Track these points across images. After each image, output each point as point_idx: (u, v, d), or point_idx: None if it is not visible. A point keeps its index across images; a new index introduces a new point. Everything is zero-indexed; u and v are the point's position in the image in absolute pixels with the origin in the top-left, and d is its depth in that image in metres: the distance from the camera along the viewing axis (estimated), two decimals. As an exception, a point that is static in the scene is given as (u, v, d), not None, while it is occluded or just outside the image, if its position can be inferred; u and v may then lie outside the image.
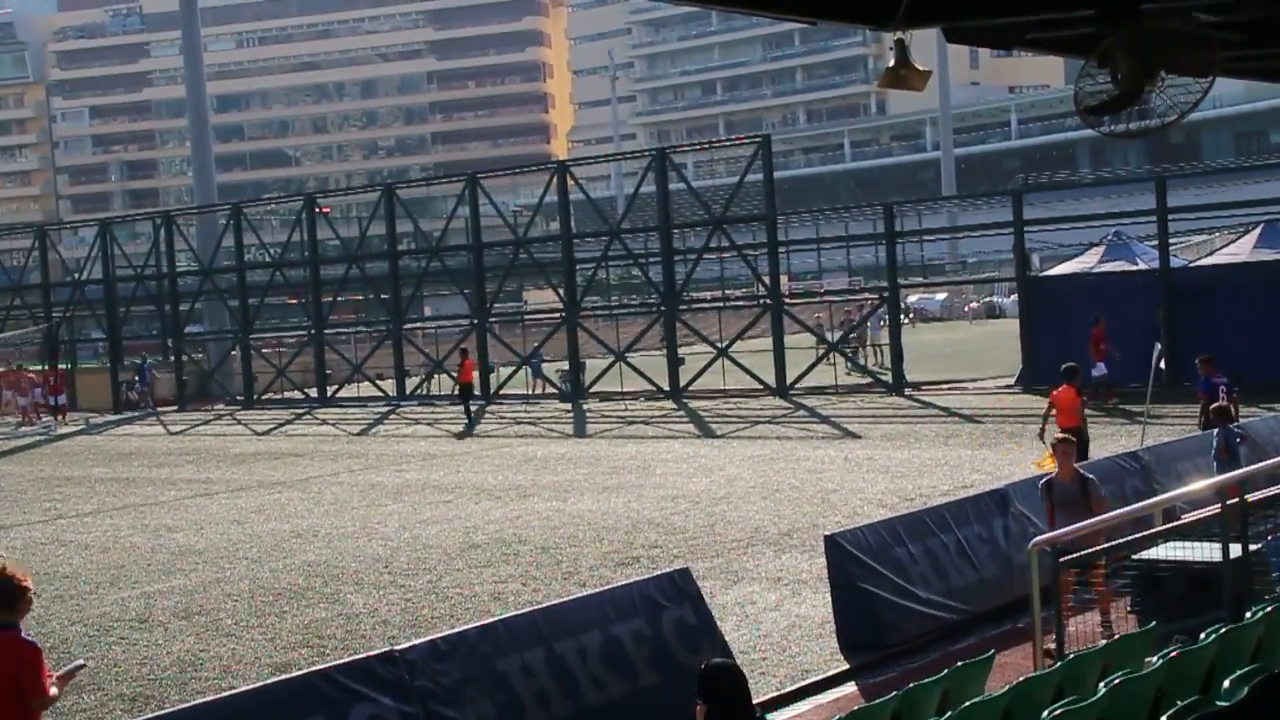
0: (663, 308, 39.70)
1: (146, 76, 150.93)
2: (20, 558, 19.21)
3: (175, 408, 46.54)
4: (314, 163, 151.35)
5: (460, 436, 32.95)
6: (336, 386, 45.19)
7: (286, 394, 46.25)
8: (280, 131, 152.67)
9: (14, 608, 7.90)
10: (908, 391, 35.35)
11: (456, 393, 37.69)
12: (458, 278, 45.91)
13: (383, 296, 45.96)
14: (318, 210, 46.44)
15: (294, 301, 50.83)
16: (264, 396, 46.09)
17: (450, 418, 37.15)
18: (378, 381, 44.41)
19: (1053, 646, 9.46)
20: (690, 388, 38.21)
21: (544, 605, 10.70)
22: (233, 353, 48.33)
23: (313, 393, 45.29)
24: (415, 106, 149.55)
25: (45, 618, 14.56)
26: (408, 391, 43.43)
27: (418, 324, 50.41)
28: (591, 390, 40.36)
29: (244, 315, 46.86)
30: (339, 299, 48.18)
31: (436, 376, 43.44)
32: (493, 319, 43.89)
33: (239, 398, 46.60)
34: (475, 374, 38.66)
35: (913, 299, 72.77)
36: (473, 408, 36.30)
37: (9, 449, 36.88)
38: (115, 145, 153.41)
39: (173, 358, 49.72)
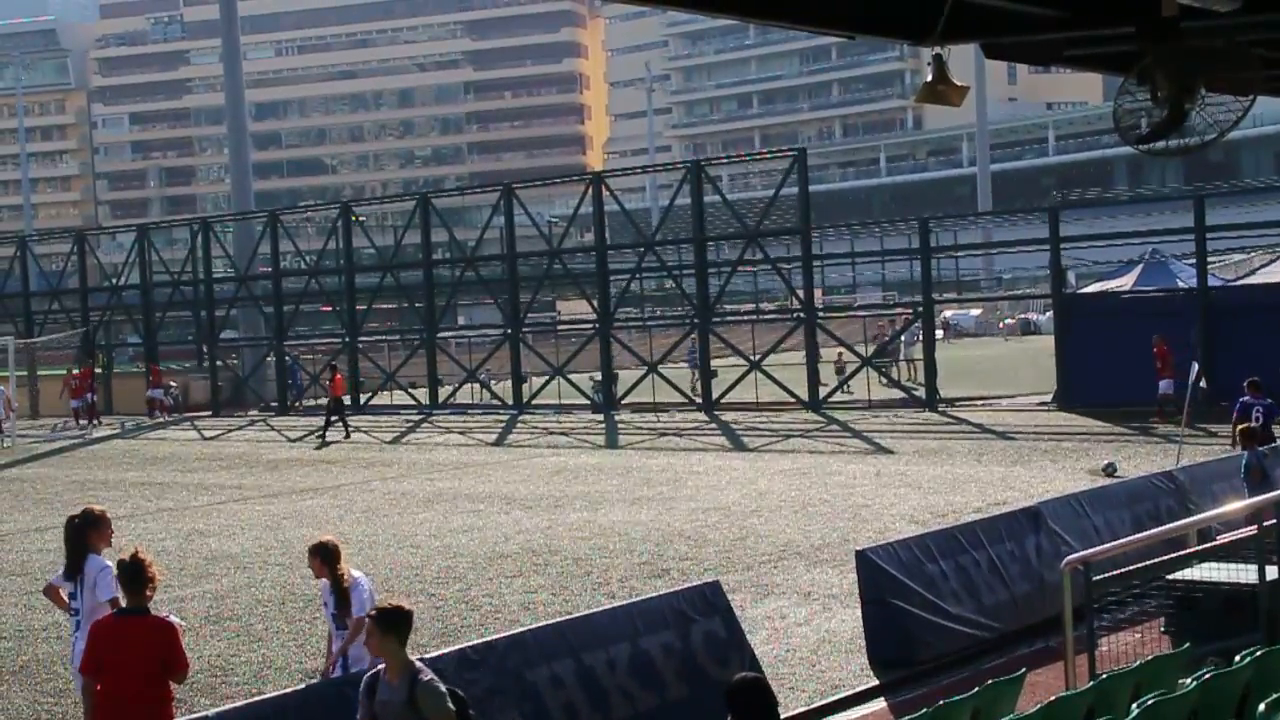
0: (696, 320, 39.67)
1: (186, 84, 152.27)
2: (54, 560, 19.36)
3: (209, 413, 46.80)
4: (350, 171, 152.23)
5: (319, 448, 33.80)
6: (369, 394, 45.36)
7: (320, 401, 46.39)
8: (317, 140, 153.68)
9: (142, 591, 8.09)
10: (941, 407, 35.19)
11: (327, 406, 38.27)
12: (492, 287, 46.06)
13: (417, 305, 46.07)
14: (354, 219, 46.61)
15: (328, 309, 50.99)
16: (297, 403, 46.27)
17: (484, 427, 37.23)
18: (410, 390, 44.55)
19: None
20: (722, 400, 38.17)
21: (573, 616, 10.70)
22: (267, 359, 48.55)
23: (346, 400, 45.39)
24: (452, 116, 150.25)
25: (78, 620, 14.60)
26: (440, 400, 43.54)
27: (451, 333, 50.50)
28: (623, 401, 40.38)
29: (279, 322, 47.07)
30: (373, 307, 48.34)
31: (469, 385, 43.58)
32: (526, 329, 43.97)
33: (273, 404, 46.82)
34: (345, 390, 39.09)
35: (947, 314, 72.50)
36: (345, 420, 36.80)
37: (45, 451, 37.15)
38: (154, 152, 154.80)
39: (206, 363, 50.01)
